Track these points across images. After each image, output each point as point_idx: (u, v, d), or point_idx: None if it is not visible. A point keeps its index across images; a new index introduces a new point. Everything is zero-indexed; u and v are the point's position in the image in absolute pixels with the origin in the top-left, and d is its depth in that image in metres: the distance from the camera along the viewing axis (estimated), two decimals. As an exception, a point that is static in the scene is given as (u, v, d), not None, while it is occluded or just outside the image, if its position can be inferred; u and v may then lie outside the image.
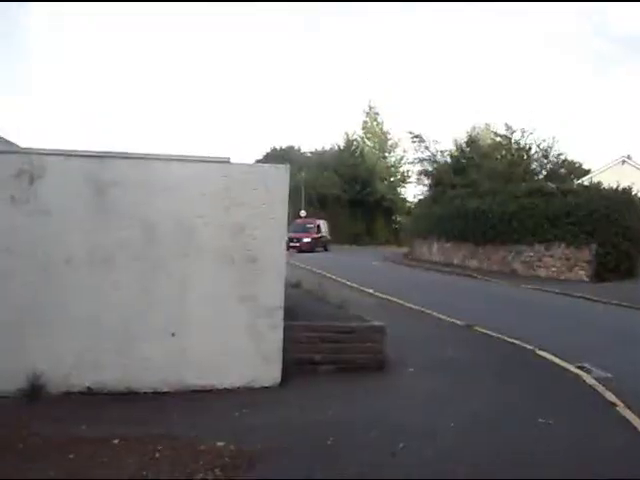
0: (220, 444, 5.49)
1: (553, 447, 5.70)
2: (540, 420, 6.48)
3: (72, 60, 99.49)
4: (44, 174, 7.12)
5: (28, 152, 7.34)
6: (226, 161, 7.59)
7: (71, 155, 7.31)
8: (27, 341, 7.01)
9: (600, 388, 7.77)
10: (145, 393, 7.16)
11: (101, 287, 7.21)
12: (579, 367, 8.91)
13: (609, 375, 8.52)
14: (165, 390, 7.21)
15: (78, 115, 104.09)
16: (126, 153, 7.52)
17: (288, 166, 7.85)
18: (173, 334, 7.31)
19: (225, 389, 7.31)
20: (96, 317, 7.17)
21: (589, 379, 8.26)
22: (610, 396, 7.41)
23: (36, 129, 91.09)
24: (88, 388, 7.08)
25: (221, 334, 7.40)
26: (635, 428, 6.37)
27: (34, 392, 6.87)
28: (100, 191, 7.23)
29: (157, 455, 5.25)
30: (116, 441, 5.53)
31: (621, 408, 6.98)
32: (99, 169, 7.25)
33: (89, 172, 7.23)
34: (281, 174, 7.70)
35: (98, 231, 7.22)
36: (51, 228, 7.13)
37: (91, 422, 6.07)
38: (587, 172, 44.92)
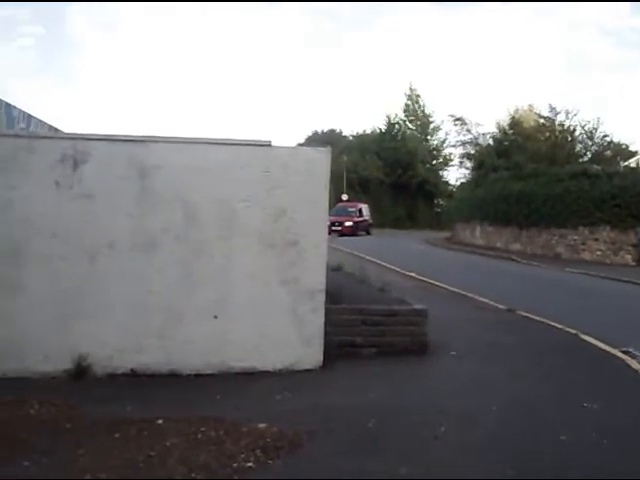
0: (262, 426, 5.52)
1: (597, 432, 5.62)
2: (585, 405, 6.40)
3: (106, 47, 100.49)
4: (88, 159, 7.19)
5: (72, 137, 7.42)
6: (268, 144, 7.60)
7: (114, 140, 7.38)
8: (72, 324, 7.13)
9: (646, 373, 7.67)
10: (188, 375, 7.23)
11: (144, 270, 7.29)
12: (624, 352, 8.77)
13: (655, 360, 8.40)
14: (208, 372, 7.27)
15: (115, 101, 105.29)
16: (169, 137, 7.58)
17: (330, 149, 7.84)
18: (215, 317, 7.36)
19: (267, 371, 7.36)
20: (139, 300, 7.26)
21: (635, 364, 8.13)
22: (656, 381, 7.32)
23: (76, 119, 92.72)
24: (132, 370, 7.18)
25: (263, 317, 7.44)
26: (681, 413, 6.27)
27: (80, 373, 7.00)
28: (143, 175, 7.29)
29: (200, 436, 5.30)
30: (160, 422, 5.59)
31: (667, 394, 6.89)
32: (142, 153, 7.32)
33: (132, 156, 7.29)
34: (323, 157, 7.68)
35: (141, 215, 7.30)
36: (95, 213, 7.22)
37: (136, 403, 6.15)
38: (634, 154, 44.12)
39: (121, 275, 7.25)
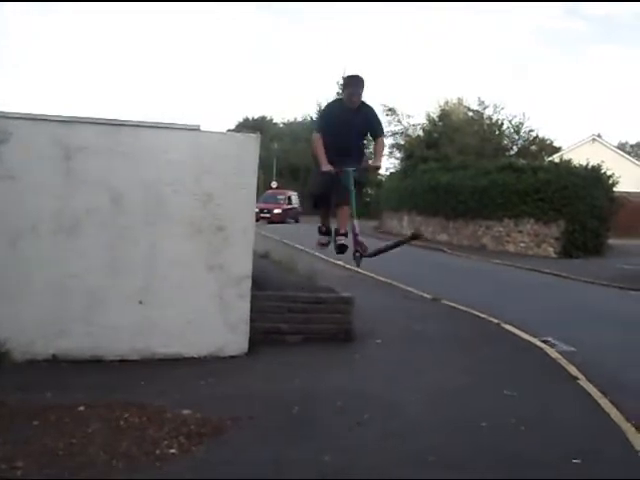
0: (186, 412, 5.49)
1: (516, 419, 5.77)
2: (505, 392, 6.56)
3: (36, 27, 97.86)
4: (9, 138, 6.98)
5: (-8, 115, 7.19)
6: (196, 129, 7.51)
7: (38, 119, 7.17)
8: (-9, 307, 6.94)
9: (563, 361, 7.89)
10: (111, 361, 7.13)
11: (67, 254, 7.12)
12: (543, 341, 9.02)
13: (572, 349, 8.65)
14: (132, 358, 7.18)
15: (46, 81, 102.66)
16: (95, 118, 7.39)
17: (259, 135, 7.79)
18: (140, 302, 7.26)
19: (192, 358, 7.31)
20: (62, 284, 7.10)
21: (553, 353, 8.38)
22: (573, 369, 7.52)
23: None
24: (53, 356, 7.02)
25: (188, 303, 7.37)
26: (595, 401, 6.47)
27: (-3, 359, 6.82)
28: (67, 157, 7.11)
29: (122, 423, 5.23)
30: (82, 408, 5.49)
31: (583, 381, 7.09)
32: (66, 134, 7.13)
33: (56, 137, 7.10)
34: (252, 143, 7.63)
35: (65, 198, 7.12)
36: (17, 194, 7.01)
37: (56, 390, 6.02)
38: (558, 150, 45.26)
39: (44, 258, 7.07)
